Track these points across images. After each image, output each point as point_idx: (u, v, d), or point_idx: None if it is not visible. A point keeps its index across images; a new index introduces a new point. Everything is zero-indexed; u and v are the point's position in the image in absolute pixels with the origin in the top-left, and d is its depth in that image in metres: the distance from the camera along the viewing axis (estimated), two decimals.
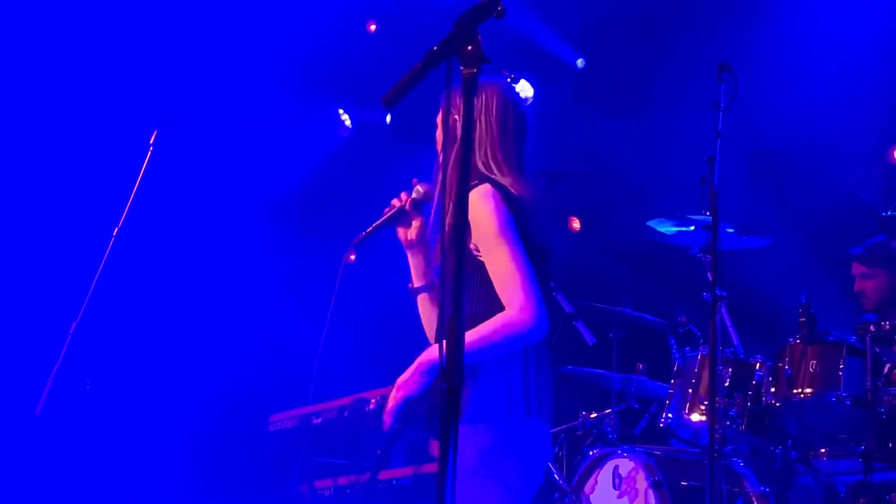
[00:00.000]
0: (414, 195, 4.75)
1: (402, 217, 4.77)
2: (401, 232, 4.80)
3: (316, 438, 8.55)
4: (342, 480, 8.27)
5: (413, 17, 10.11)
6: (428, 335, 4.87)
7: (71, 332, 5.92)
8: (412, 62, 3.50)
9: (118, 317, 8.97)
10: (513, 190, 4.51)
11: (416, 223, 4.75)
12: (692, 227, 7.31)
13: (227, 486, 9.78)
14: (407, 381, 4.44)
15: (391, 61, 9.48)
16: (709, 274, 6.44)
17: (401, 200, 4.76)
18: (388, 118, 11.22)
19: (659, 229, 7.60)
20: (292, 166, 11.18)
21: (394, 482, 8.12)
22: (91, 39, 9.71)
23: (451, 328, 3.21)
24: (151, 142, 6.19)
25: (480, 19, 3.37)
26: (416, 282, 4.82)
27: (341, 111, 11.39)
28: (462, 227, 3.30)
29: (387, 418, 4.55)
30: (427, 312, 4.84)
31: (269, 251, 10.60)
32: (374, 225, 4.82)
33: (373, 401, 8.17)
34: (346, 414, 8.24)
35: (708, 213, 6.34)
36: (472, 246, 4.47)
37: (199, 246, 10.30)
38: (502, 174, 4.56)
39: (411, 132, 9.66)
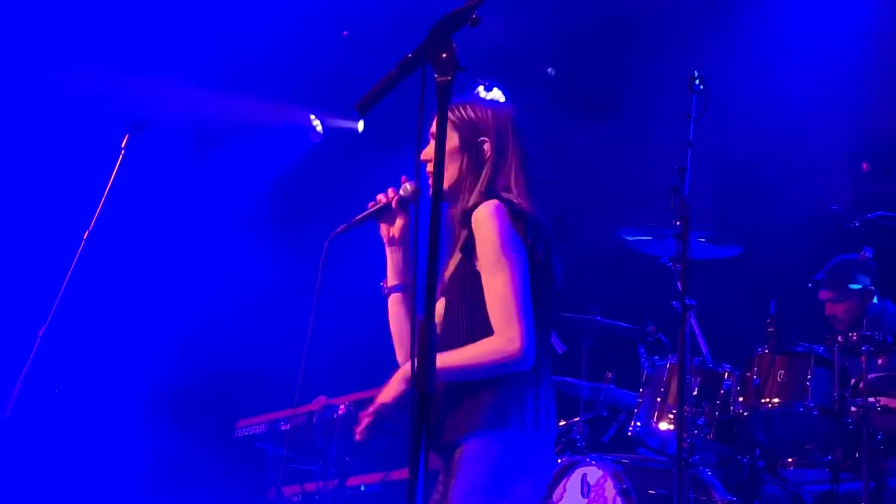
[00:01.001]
0: (402, 192, 4.65)
1: (387, 213, 4.68)
2: (383, 228, 4.71)
3: (284, 444, 8.53)
4: (310, 486, 8.26)
5: (387, 24, 10.10)
6: (393, 335, 4.77)
7: (40, 335, 5.91)
8: (386, 69, 3.50)
9: (87, 320, 8.95)
10: (522, 206, 4.46)
11: (400, 221, 4.67)
12: (662, 237, 7.34)
13: (193, 492, 9.76)
14: (384, 390, 4.42)
15: (364, 67, 9.48)
16: (678, 283, 6.45)
17: (387, 196, 4.66)
18: (361, 125, 11.20)
19: (628, 238, 7.62)
20: (263, 171, 11.17)
21: (362, 488, 8.12)
22: (64, 43, 9.68)
23: (423, 334, 3.21)
24: (123, 145, 6.18)
25: (455, 27, 3.37)
26: (392, 280, 4.72)
27: (312, 117, 11.37)
28: (436, 234, 3.28)
29: (360, 426, 4.48)
30: (396, 312, 4.73)
31: (239, 256, 10.59)
32: (356, 218, 4.70)
33: (341, 407, 8.17)
34: (314, 420, 8.23)
35: (678, 223, 6.34)
36: (477, 264, 4.42)
37: (168, 250, 10.28)
38: (520, 195, 4.51)
39: (384, 138, 9.70)
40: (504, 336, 4.29)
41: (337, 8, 10.39)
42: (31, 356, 5.86)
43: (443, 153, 3.37)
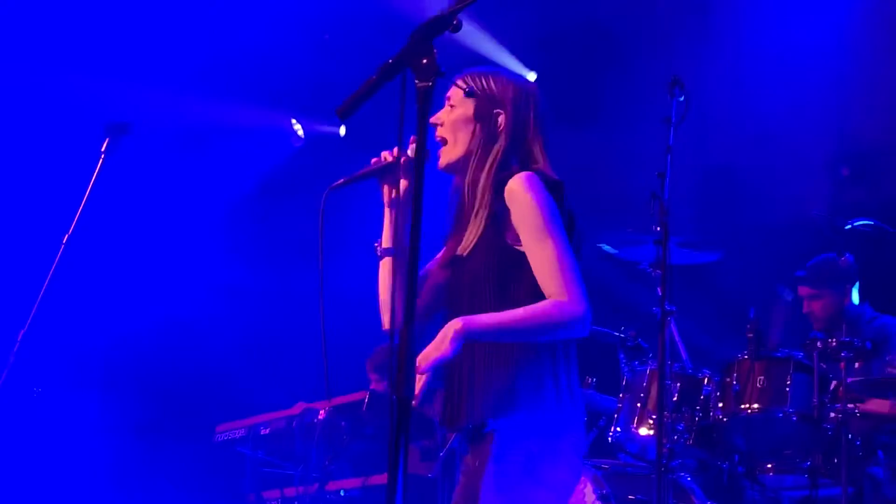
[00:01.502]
0: (410, 153, 4.42)
1: (390, 173, 4.49)
2: (386, 188, 4.54)
3: (264, 448, 8.52)
4: (290, 491, 8.25)
5: (369, 28, 10.10)
6: (381, 299, 4.61)
7: (19, 338, 5.89)
8: (368, 73, 3.50)
9: (67, 323, 8.93)
10: (555, 178, 4.37)
11: (404, 182, 4.49)
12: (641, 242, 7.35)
13: (172, 496, 9.74)
14: (440, 345, 4.13)
15: (346, 72, 9.47)
16: (658, 288, 6.45)
17: (393, 155, 4.46)
18: (343, 130, 11.20)
19: (608, 244, 7.62)
20: (244, 175, 11.16)
21: (342, 493, 8.11)
22: (44, 46, 9.66)
23: (402, 338, 3.20)
24: (103, 149, 6.16)
25: (436, 32, 3.37)
26: (386, 242, 4.56)
27: (294, 121, 11.36)
28: (418, 230, 3.27)
29: (417, 384, 4.14)
30: (388, 276, 4.57)
31: (220, 260, 10.57)
32: (358, 173, 4.51)
33: (321, 411, 8.16)
34: (294, 424, 8.22)
35: (658, 228, 6.34)
36: (509, 238, 4.30)
37: (148, 254, 10.27)
38: (546, 169, 4.42)
39: (365, 143, 9.67)
40: (566, 298, 4.21)
41: (318, 12, 10.38)
42: (11, 359, 5.84)
43: (423, 155, 3.38)
